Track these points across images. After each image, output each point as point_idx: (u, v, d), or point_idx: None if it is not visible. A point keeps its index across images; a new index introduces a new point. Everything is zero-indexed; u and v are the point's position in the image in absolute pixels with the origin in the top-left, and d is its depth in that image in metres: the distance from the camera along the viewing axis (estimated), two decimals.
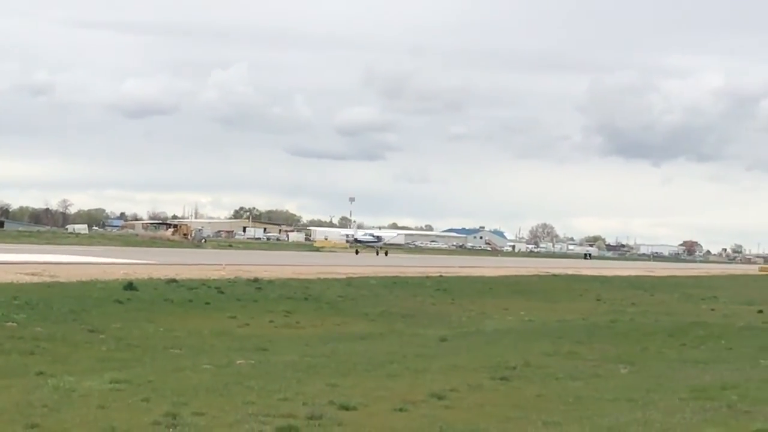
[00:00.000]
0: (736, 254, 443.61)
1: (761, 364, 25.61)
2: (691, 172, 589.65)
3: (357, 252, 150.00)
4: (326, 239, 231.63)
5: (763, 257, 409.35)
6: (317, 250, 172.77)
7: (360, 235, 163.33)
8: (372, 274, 69.20)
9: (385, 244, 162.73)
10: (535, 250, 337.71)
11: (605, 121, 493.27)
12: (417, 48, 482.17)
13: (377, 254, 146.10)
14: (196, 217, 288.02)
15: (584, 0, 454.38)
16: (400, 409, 16.10)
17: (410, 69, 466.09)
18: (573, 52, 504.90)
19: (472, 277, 77.20)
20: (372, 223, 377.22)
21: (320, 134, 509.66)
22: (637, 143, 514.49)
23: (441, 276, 74.15)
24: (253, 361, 22.91)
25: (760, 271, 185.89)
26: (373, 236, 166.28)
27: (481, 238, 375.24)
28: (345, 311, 41.44)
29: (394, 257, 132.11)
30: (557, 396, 18.27)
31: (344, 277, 64.00)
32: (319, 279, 60.38)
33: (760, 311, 52.93)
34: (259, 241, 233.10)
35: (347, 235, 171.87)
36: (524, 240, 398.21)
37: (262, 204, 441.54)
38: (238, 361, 22.73)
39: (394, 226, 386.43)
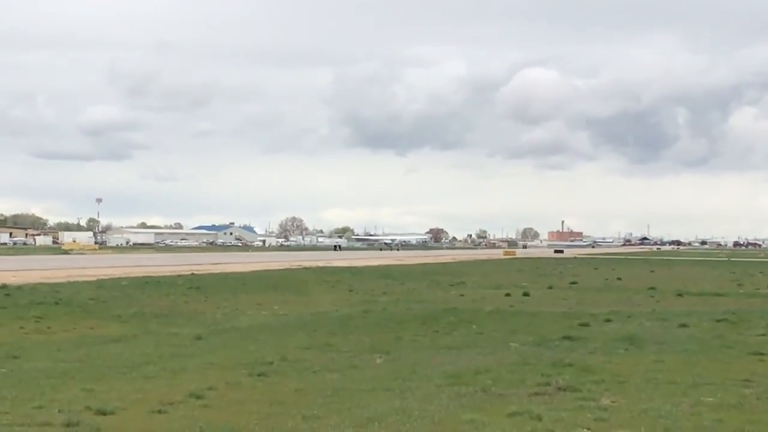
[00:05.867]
0: (481, 239, 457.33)
1: (511, 347, 26.44)
2: (435, 160, 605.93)
3: (381, 249, 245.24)
4: (74, 241, 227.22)
5: (507, 241, 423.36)
6: (66, 252, 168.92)
7: (386, 240, 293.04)
8: (123, 275, 68.28)
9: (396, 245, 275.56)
10: (286, 243, 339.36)
11: (351, 113, 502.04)
12: (161, 45, 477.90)
13: (390, 249, 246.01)
14: None
15: None
16: (159, 411, 15.93)
17: (155, 66, 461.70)
18: (317, 46, 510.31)
19: (224, 274, 77.07)
20: (121, 223, 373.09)
21: (64, 135, 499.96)
22: (382, 134, 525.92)
23: (193, 274, 73.78)
24: (4, 370, 22.28)
25: (504, 255, 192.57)
26: (392, 240, 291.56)
27: (231, 234, 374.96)
28: (97, 314, 40.67)
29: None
30: (315, 389, 18.43)
31: (95, 279, 62.94)
32: (69, 282, 59.23)
33: (508, 294, 54.69)
34: (5, 246, 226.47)
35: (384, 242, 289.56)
36: (274, 234, 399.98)
37: (7, 209, 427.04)
38: None
39: (143, 226, 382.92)
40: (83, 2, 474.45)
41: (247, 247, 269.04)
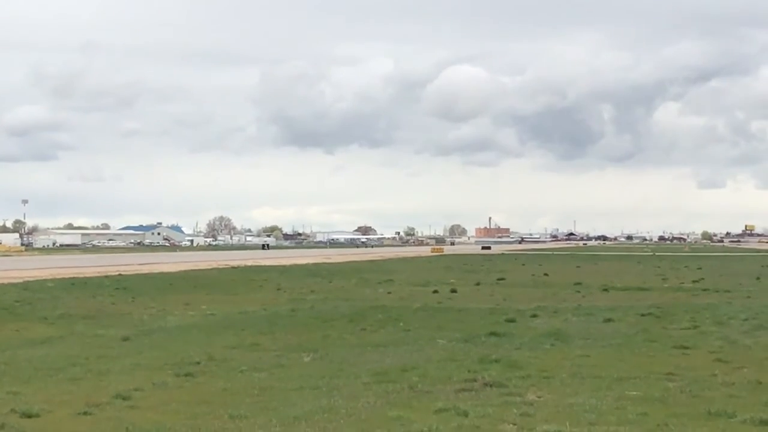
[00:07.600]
0: (409, 237, 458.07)
1: (439, 344, 26.58)
2: (363, 158, 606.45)
3: (358, 247, 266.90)
4: (0, 243, 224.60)
5: (435, 238, 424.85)
6: None
7: (363, 239, 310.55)
8: (49, 277, 67.61)
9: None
10: (214, 243, 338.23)
11: (278, 112, 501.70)
12: (87, 46, 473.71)
13: (366, 247, 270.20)
14: None
15: None
16: (85, 413, 15.84)
17: (80, 67, 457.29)
18: (243, 45, 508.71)
19: (152, 274, 76.59)
20: (48, 225, 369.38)
21: None
22: (310, 132, 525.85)
23: (120, 274, 73.21)
24: None
25: (432, 252, 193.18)
26: (367, 238, 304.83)
27: (159, 234, 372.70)
28: (23, 316, 40.13)
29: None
30: (243, 389, 18.43)
31: (21, 281, 62.23)
32: None
33: (435, 291, 54.80)
34: None
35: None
36: (202, 234, 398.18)
37: None
38: None
39: (70, 227, 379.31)
40: (7, 3, 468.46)
41: (174, 247, 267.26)
